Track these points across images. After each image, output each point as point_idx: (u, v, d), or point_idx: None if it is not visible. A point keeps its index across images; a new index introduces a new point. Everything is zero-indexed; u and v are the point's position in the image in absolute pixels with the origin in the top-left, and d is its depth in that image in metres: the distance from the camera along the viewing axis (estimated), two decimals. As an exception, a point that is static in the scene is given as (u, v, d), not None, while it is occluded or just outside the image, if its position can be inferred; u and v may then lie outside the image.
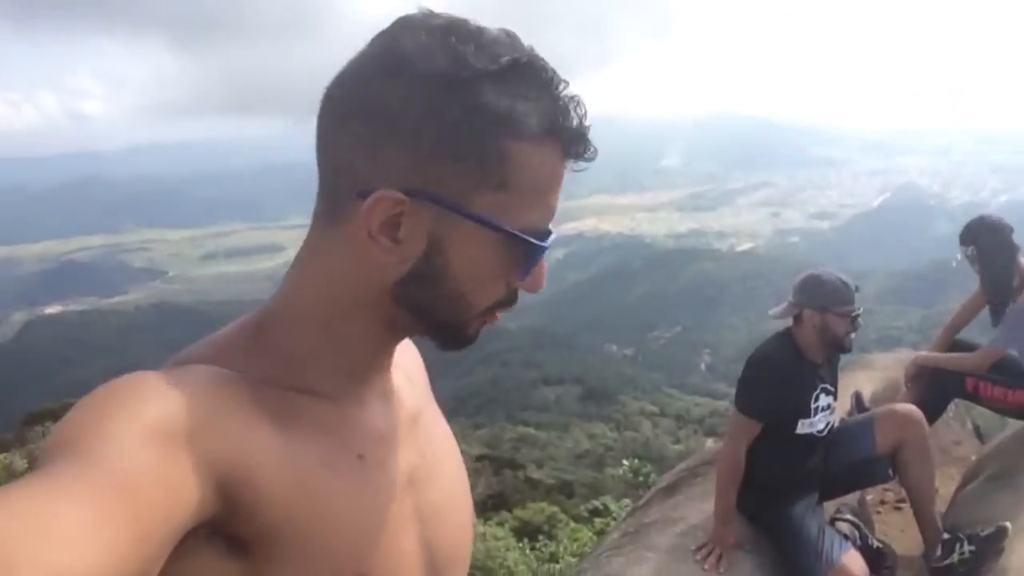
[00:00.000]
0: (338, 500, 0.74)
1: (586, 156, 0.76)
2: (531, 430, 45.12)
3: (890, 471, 3.25)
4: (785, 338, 3.09)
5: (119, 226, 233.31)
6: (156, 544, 0.58)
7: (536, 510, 14.41)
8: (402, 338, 0.82)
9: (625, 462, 18.16)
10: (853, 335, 3.02)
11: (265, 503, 0.67)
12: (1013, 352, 3.70)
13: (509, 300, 0.79)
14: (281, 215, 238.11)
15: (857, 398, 4.02)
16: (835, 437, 3.21)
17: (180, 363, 0.73)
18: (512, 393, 67.32)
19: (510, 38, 0.72)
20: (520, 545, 10.45)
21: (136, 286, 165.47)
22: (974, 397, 3.82)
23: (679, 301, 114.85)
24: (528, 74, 0.71)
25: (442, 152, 0.70)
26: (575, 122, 0.74)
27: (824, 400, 3.09)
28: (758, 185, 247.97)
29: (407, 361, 0.94)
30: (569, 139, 0.74)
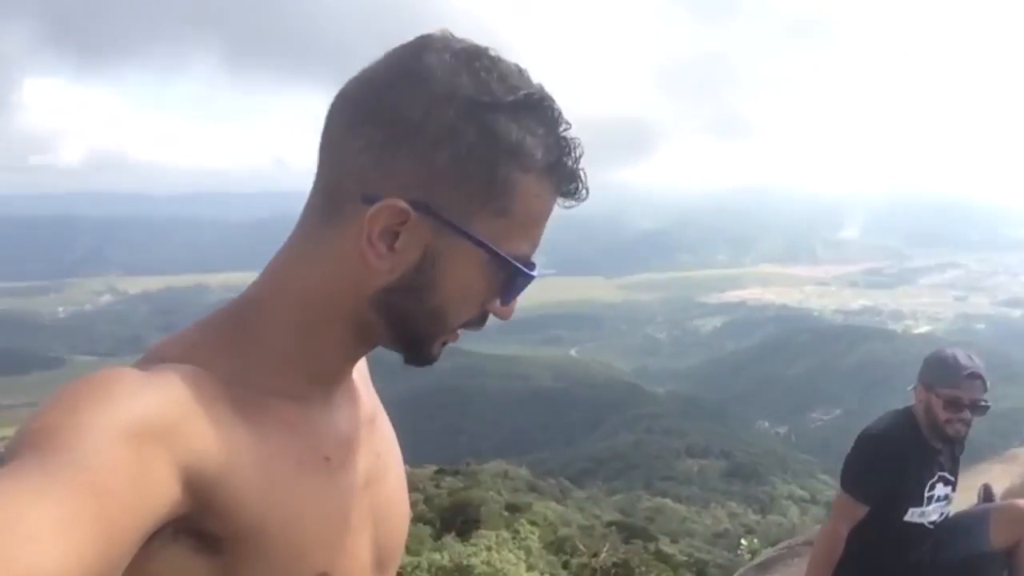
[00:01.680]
0: (306, 501, 0.75)
1: (576, 196, 0.79)
2: (668, 502, 43.71)
3: (1005, 573, 2.97)
4: (905, 416, 2.85)
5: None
6: (124, 544, 0.58)
7: (665, 583, 13.90)
8: (370, 348, 0.83)
9: (744, 541, 17.12)
10: (962, 426, 2.74)
11: (237, 502, 0.68)
12: None
13: (478, 321, 0.82)
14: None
15: (986, 491, 3.64)
16: (946, 527, 2.93)
17: (154, 358, 0.73)
18: (653, 461, 65.61)
19: (522, 73, 0.75)
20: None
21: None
22: None
23: (843, 381, 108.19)
24: (539, 110, 0.75)
25: (453, 171, 0.72)
26: (572, 162, 0.77)
27: (941, 490, 2.84)
28: (944, 265, 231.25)
29: (360, 362, 0.94)
30: (565, 178, 0.77)
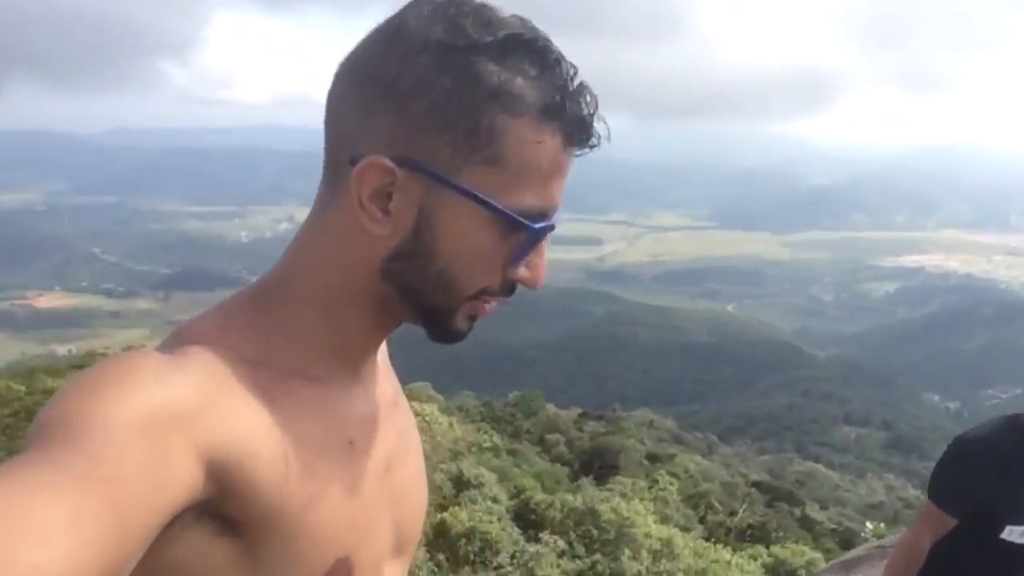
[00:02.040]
0: (329, 485, 0.75)
1: (585, 143, 0.73)
2: (821, 467, 42.02)
3: None
4: (1013, 422, 2.47)
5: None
6: (139, 534, 0.57)
7: (796, 551, 13.34)
8: (395, 324, 0.81)
9: (869, 525, 15.96)
10: None
11: (259, 486, 0.68)
12: None
13: (503, 290, 0.77)
14: (604, 209, 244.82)
15: None
16: None
17: (179, 339, 0.73)
18: (808, 425, 63.23)
19: (521, 21, 0.71)
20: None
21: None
22: None
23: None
24: (530, 52, 0.70)
25: (432, 121, 0.69)
26: (580, 109, 0.71)
27: None
28: None
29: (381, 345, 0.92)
30: (570, 122, 0.71)
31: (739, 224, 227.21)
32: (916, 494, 37.98)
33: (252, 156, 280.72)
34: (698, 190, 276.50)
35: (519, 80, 0.69)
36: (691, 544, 10.19)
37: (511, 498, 11.94)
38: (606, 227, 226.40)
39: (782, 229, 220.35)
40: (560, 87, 0.70)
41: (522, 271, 0.76)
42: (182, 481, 0.61)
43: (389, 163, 0.69)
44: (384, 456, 0.85)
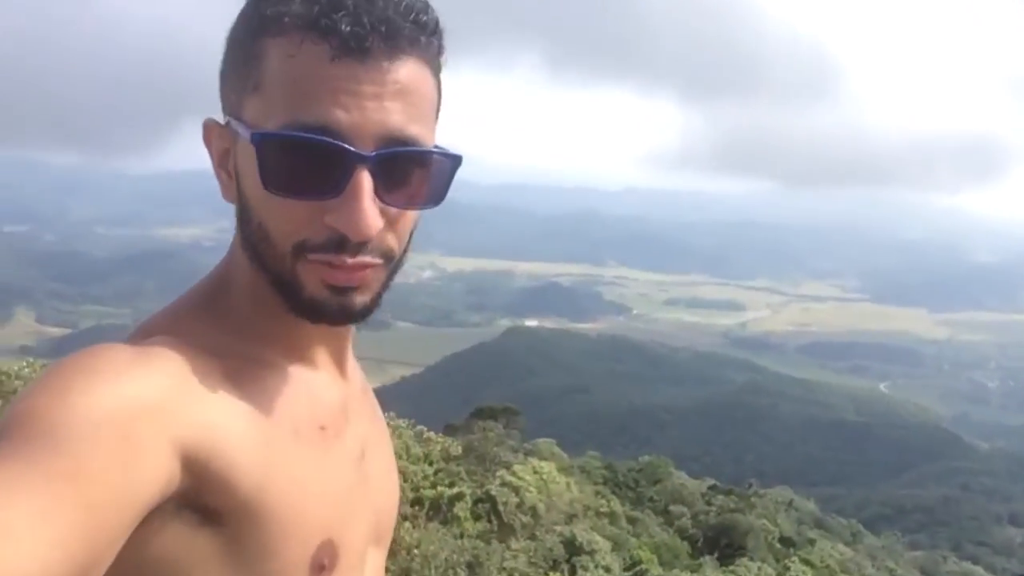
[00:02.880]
0: (305, 470, 0.74)
1: (357, 50, 0.66)
2: (980, 570, 38.04)
3: None
4: None
5: (601, 259, 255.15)
6: (111, 530, 0.57)
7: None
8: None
9: None
10: None
11: (235, 473, 0.67)
12: None
13: (325, 242, 0.69)
14: (748, 275, 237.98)
15: None
16: None
17: (143, 332, 0.72)
18: (967, 522, 57.89)
19: None
20: None
21: (603, 317, 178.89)
22: None
23: None
24: None
25: (227, 69, 0.72)
26: (340, 14, 0.66)
27: None
28: None
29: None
30: (329, 32, 0.66)
31: (893, 298, 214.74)
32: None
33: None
34: (850, 260, 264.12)
35: (282, 6, 0.67)
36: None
37: (625, 569, 11.21)
38: (750, 292, 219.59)
39: (941, 307, 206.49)
40: (320, 2, 0.67)
41: (331, 217, 0.68)
42: (155, 474, 0.60)
43: (216, 122, 0.69)
44: (358, 442, 0.85)
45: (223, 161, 0.71)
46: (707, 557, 15.05)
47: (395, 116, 0.67)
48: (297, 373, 0.78)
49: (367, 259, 0.70)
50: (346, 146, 0.66)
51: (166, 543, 0.66)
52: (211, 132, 0.70)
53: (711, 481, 29.59)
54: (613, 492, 19.31)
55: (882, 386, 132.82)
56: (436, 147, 0.71)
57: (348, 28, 0.66)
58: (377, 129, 0.66)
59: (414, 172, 0.70)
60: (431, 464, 11.73)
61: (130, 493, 0.58)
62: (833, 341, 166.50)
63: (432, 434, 14.92)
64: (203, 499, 0.66)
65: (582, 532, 11.38)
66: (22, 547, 0.50)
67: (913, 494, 65.06)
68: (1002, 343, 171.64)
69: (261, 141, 0.66)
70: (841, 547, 27.11)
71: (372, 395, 0.95)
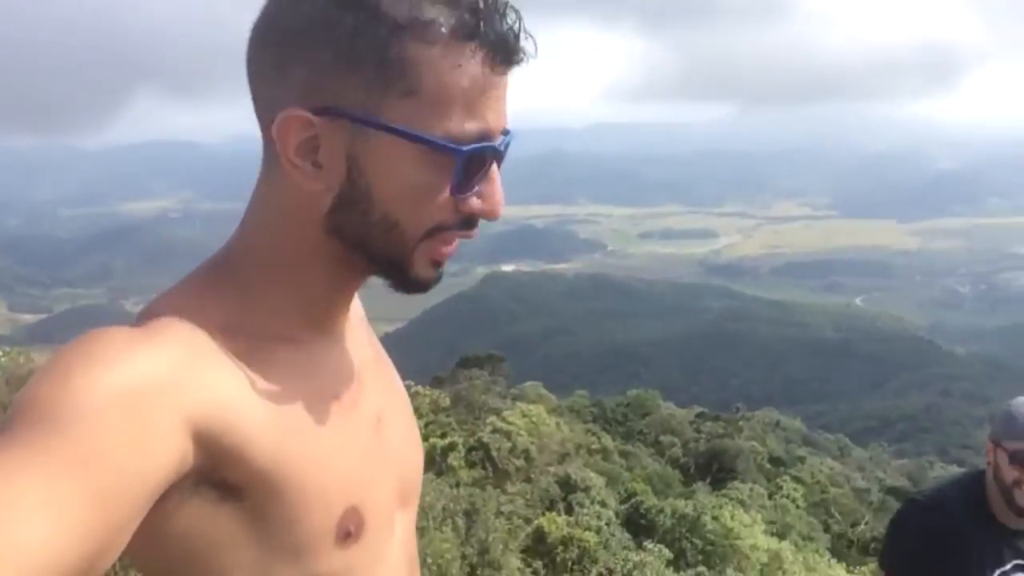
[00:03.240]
0: (323, 438, 0.75)
1: (510, 60, 0.71)
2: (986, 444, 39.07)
3: None
4: (971, 481, 2.21)
5: (572, 198, 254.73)
6: (125, 510, 0.57)
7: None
8: (359, 279, 0.81)
9: None
10: None
11: (252, 446, 0.68)
12: None
13: (458, 223, 0.75)
14: (718, 202, 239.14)
15: None
16: None
17: (149, 315, 0.72)
18: (950, 427, 59.49)
19: None
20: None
21: (579, 256, 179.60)
22: None
23: None
24: None
25: (341, 63, 0.69)
26: (498, 25, 0.70)
27: None
28: None
29: (356, 304, 0.92)
30: (490, 43, 0.70)
31: (863, 212, 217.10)
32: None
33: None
34: (816, 178, 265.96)
35: (427, 8, 0.68)
36: (801, 558, 9.36)
37: (621, 503, 11.35)
38: (720, 219, 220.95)
39: (910, 217, 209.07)
40: (473, 6, 0.69)
41: (474, 202, 0.74)
42: (167, 453, 0.61)
43: (305, 114, 0.69)
44: (373, 410, 0.85)
45: (305, 152, 0.70)
46: (700, 483, 15.34)
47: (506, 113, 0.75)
48: (310, 345, 0.79)
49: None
50: (501, 149, 0.74)
51: (188, 519, 0.67)
52: (295, 123, 0.69)
53: (699, 409, 30.01)
54: (603, 429, 19.53)
55: (857, 300, 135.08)
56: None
57: (509, 41, 0.70)
58: (503, 126, 0.75)
59: None
60: (421, 417, 11.76)
61: (140, 474, 0.58)
62: (806, 260, 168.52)
63: (420, 387, 14.95)
64: (220, 474, 0.67)
65: (576, 470, 11.50)
66: (32, 533, 0.50)
67: (896, 404, 66.60)
68: (971, 248, 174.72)
69: (467, 154, 0.70)
70: (830, 462, 27.71)
71: (388, 363, 0.95)
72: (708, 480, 15.95)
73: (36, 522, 0.50)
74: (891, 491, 24.43)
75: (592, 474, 11.60)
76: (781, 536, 11.40)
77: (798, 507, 15.54)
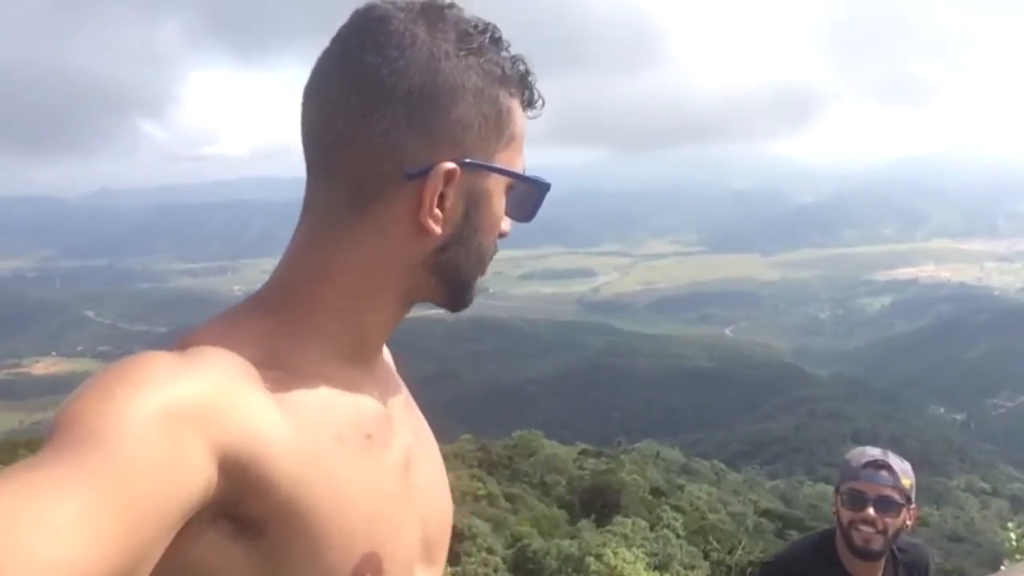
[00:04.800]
0: (350, 480, 0.74)
1: (539, 104, 0.84)
2: (832, 489, 41.19)
3: None
4: (825, 537, 2.31)
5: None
6: (153, 532, 0.57)
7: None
8: (405, 314, 0.85)
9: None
10: (870, 531, 2.15)
11: (276, 482, 0.67)
12: None
13: (494, 248, 0.86)
14: (594, 241, 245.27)
15: None
16: None
17: (189, 342, 0.73)
18: (816, 445, 62.41)
19: (462, 10, 0.80)
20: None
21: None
22: None
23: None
24: (498, 36, 0.79)
25: (473, 118, 0.77)
26: (531, 76, 0.82)
27: None
28: None
29: (384, 348, 0.95)
30: (530, 89, 0.82)
31: (729, 247, 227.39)
32: (929, 511, 37.30)
33: (238, 209, 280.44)
34: (686, 215, 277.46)
35: (506, 64, 0.79)
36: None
37: (507, 547, 11.43)
38: (598, 258, 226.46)
39: (772, 249, 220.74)
40: (516, 60, 0.80)
41: (505, 226, 0.85)
42: (196, 479, 0.61)
43: (453, 166, 0.76)
44: (402, 452, 0.85)
45: (438, 200, 0.76)
46: (585, 520, 15.62)
47: None
48: (346, 383, 0.79)
49: None
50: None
51: (201, 553, 0.66)
52: (440, 175, 0.76)
53: (582, 446, 30.52)
54: (489, 472, 19.57)
55: (728, 331, 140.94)
56: None
57: (535, 87, 0.83)
58: None
59: None
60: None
61: (171, 497, 0.59)
62: (679, 295, 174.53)
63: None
64: (242, 507, 0.67)
65: (461, 518, 11.53)
66: (66, 546, 0.51)
67: (767, 428, 69.41)
68: (828, 276, 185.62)
69: (545, 187, 0.85)
70: (707, 488, 28.69)
71: (416, 408, 0.96)
72: (592, 517, 16.23)
73: (70, 536, 0.51)
74: (765, 513, 25.50)
75: (478, 521, 11.65)
76: (663, 568, 11.73)
77: (679, 536, 16.01)
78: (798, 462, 56.60)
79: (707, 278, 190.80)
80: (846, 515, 2.22)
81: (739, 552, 15.13)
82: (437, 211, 0.76)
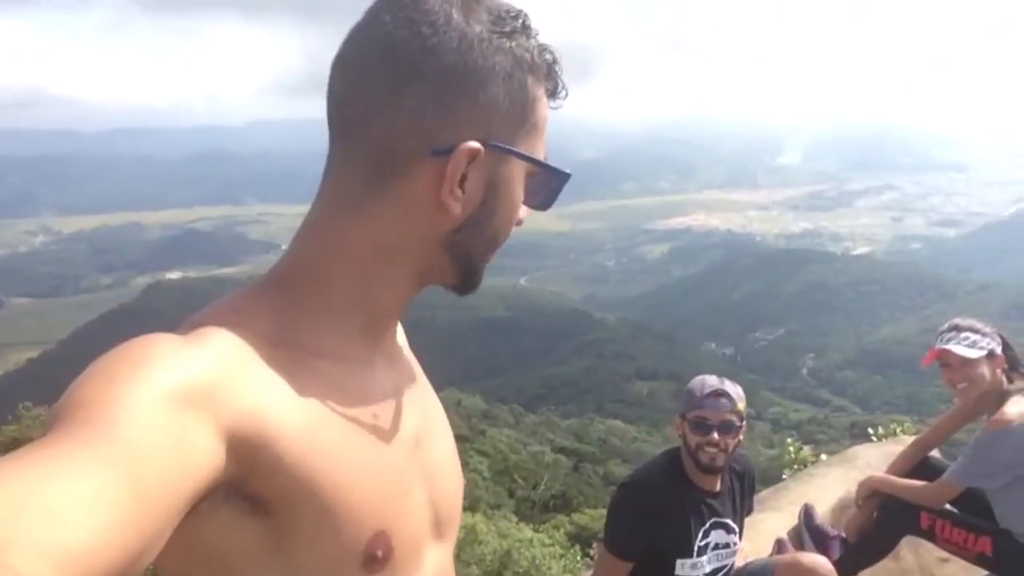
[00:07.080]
0: (358, 458, 0.75)
1: (563, 94, 0.84)
2: (619, 423, 44.31)
3: None
4: (669, 457, 2.64)
5: (239, 199, 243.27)
6: (162, 514, 0.57)
7: (596, 516, 13.73)
8: (418, 290, 0.85)
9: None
10: (715, 451, 2.52)
11: (285, 462, 0.67)
12: (978, 486, 2.97)
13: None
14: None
15: (806, 514, 3.36)
16: None
17: (196, 323, 0.72)
18: (605, 385, 66.57)
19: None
20: (571, 552, 9.85)
21: (251, 257, 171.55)
22: (929, 535, 3.07)
23: (785, 303, 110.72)
24: (528, 24, 0.80)
25: (502, 101, 0.77)
26: (558, 66, 0.83)
27: (718, 537, 2.60)
28: (880, 188, 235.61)
29: (398, 327, 0.95)
30: (555, 78, 0.83)
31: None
32: (704, 437, 40.86)
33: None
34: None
35: (536, 51, 0.80)
36: (495, 527, 10.13)
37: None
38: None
39: (561, 203, 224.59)
40: (544, 49, 0.81)
41: (522, 213, 0.86)
42: (205, 459, 0.61)
43: (478, 146, 0.76)
44: (411, 431, 0.85)
45: (459, 180, 0.77)
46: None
47: None
48: (356, 363, 0.80)
49: None
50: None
51: (215, 530, 0.67)
52: (465, 154, 0.76)
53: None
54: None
55: (522, 280, 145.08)
56: None
57: (560, 77, 0.84)
58: None
59: None
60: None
61: (181, 477, 0.59)
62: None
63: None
64: (251, 487, 0.67)
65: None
66: (72, 531, 0.50)
67: (560, 371, 72.93)
68: (613, 227, 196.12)
69: (565, 177, 0.86)
70: (507, 431, 29.84)
71: (428, 386, 0.96)
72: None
73: (78, 521, 0.51)
74: (561, 450, 26.97)
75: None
76: (473, 510, 12.16)
77: (484, 478, 16.63)
78: (589, 401, 60.03)
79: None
80: (693, 439, 2.53)
81: (542, 487, 16.04)
82: (458, 190, 0.76)
